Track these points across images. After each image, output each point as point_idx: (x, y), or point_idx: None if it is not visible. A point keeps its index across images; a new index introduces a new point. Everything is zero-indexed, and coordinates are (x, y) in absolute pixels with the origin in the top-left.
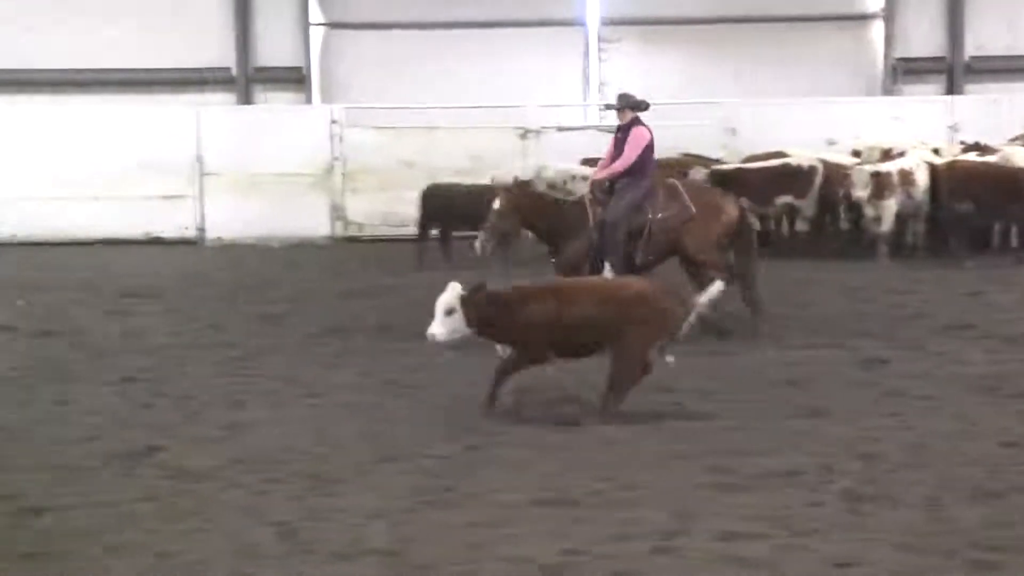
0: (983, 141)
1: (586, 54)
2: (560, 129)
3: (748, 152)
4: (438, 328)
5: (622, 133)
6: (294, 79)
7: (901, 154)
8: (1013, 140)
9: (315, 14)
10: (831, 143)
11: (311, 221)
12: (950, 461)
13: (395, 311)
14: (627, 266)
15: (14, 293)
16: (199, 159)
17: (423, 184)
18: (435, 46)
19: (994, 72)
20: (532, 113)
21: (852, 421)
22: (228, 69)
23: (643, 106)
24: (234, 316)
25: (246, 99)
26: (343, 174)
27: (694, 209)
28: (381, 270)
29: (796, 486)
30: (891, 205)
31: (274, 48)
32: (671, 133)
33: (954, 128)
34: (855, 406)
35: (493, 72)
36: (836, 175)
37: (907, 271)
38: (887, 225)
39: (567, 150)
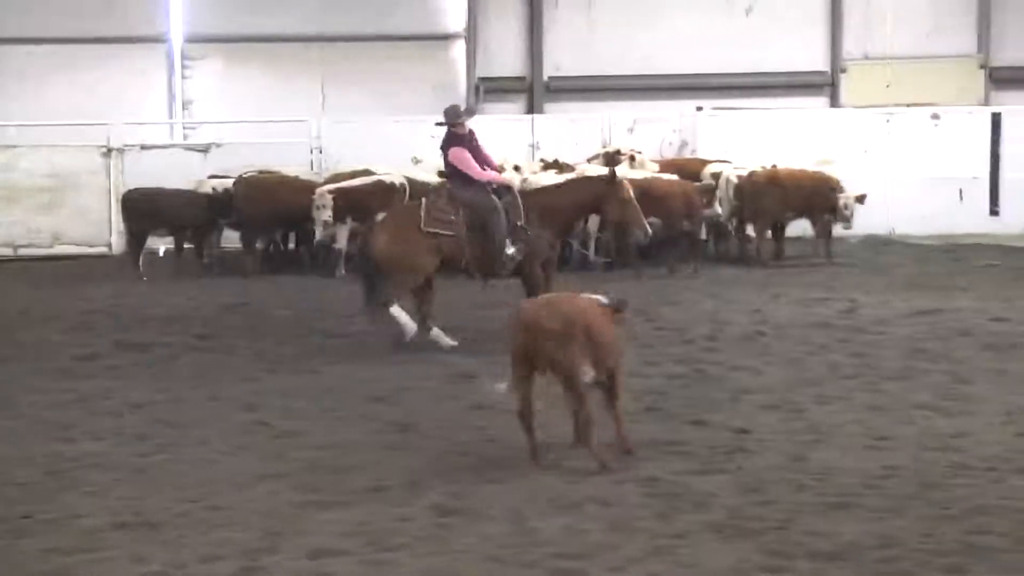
0: (561, 159)
1: (171, 71)
2: (144, 147)
3: (335, 170)
4: None
5: (472, 140)
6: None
7: None
8: (591, 159)
9: None
10: (417, 161)
11: None
12: (533, 472)
13: None
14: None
15: None
16: None
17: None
18: (14, 62)
19: (571, 91)
20: (115, 131)
21: (440, 435)
22: None
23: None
24: None
25: None
26: None
27: None
28: None
29: (384, 502)
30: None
31: None
32: (258, 150)
33: (535, 146)
34: (443, 420)
35: (75, 89)
36: (423, 193)
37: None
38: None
39: (152, 169)
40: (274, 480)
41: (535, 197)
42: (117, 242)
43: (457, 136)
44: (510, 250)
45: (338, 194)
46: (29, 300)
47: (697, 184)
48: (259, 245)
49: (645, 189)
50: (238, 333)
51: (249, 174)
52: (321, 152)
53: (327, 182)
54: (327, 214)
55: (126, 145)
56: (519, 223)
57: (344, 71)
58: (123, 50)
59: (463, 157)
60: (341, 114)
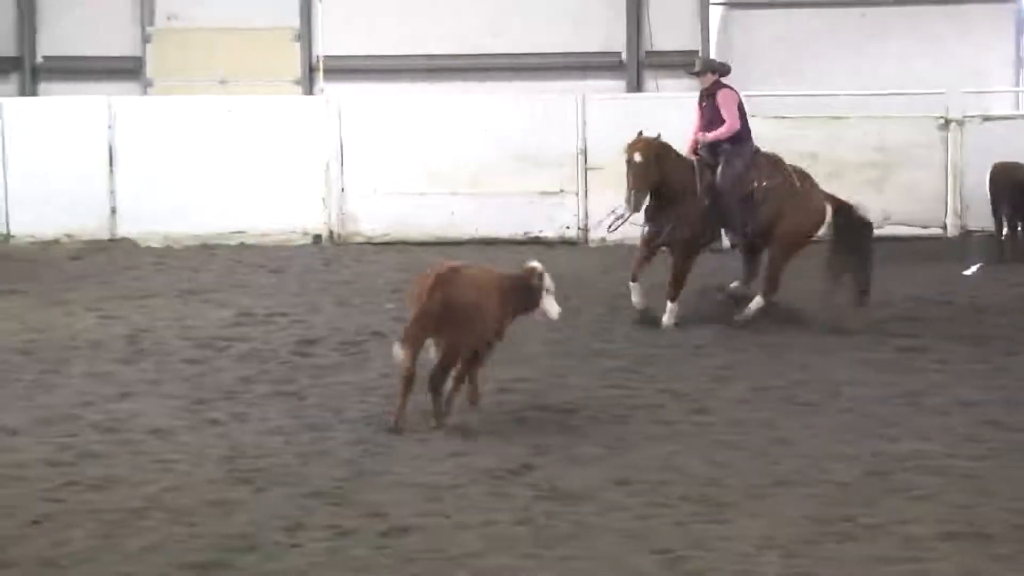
0: None
1: (1019, 34)
2: (987, 119)
3: None
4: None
5: (707, 99)
6: (688, 64)
7: None
8: None
9: None
10: None
11: None
12: None
13: None
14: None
15: (384, 296)
16: (583, 151)
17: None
18: (845, 26)
19: None
20: (954, 100)
21: None
22: (618, 54)
23: (725, 69)
24: (618, 323)
25: (636, 86)
26: None
27: (798, 184)
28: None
29: None
30: None
31: (667, 30)
32: None
33: None
34: None
35: (909, 55)
36: None
37: None
38: None
39: (994, 142)
40: None
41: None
42: (952, 223)
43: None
44: None
45: None
46: None
47: None
48: None
49: None
50: None
51: None
52: None
53: None
54: None
55: (966, 116)
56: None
57: None
58: (964, 12)
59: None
60: None
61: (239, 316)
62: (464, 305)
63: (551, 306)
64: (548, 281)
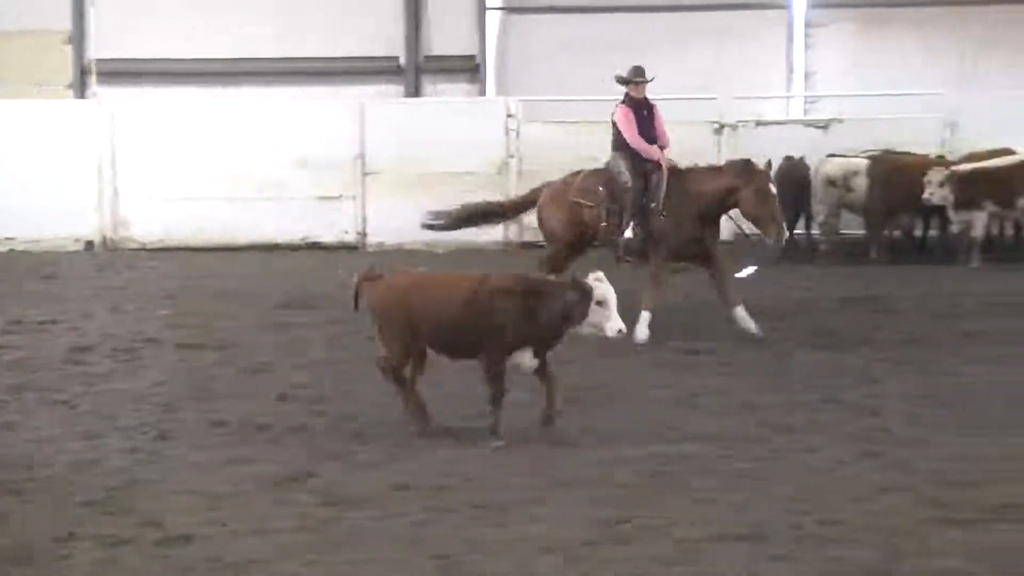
0: None
1: (790, 40)
2: (760, 123)
3: (968, 149)
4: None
5: (646, 109)
6: (467, 69)
7: None
8: None
9: None
10: None
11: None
12: None
13: None
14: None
15: (158, 302)
16: (361, 156)
17: None
18: (621, 32)
19: None
20: (728, 106)
21: None
22: (396, 58)
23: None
24: None
25: (415, 91)
26: (519, 173)
27: None
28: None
29: (1018, 521)
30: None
31: (446, 35)
32: (886, 126)
33: None
34: None
35: (685, 61)
36: None
37: None
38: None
39: (767, 146)
40: (896, 493)
41: (681, 180)
42: (726, 226)
43: (629, 98)
44: (626, 234)
45: (975, 176)
46: None
47: None
48: (884, 232)
49: None
50: (859, 329)
51: (875, 153)
52: (954, 130)
53: (962, 162)
54: (930, 191)
55: (739, 121)
56: (653, 205)
57: (985, 38)
58: (738, 18)
59: (626, 118)
60: (982, 87)
61: (9, 324)
62: (375, 308)
63: (604, 320)
64: (601, 292)
